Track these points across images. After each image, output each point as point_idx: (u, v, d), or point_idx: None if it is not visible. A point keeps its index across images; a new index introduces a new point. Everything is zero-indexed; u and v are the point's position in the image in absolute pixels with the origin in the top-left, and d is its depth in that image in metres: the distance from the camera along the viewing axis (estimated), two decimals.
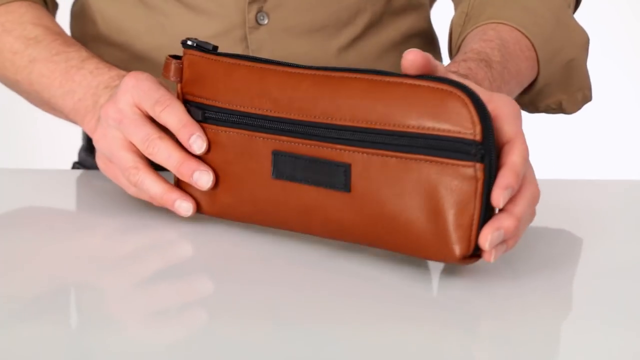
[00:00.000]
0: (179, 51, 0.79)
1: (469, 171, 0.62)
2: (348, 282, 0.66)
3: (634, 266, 0.72)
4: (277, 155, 0.69)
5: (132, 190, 0.77)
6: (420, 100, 0.63)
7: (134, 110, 0.75)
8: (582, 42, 0.93)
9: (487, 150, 0.61)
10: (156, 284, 0.66)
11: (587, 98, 0.97)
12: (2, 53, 0.92)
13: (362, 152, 0.65)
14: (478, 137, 0.61)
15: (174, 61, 0.75)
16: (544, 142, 2.68)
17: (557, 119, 2.73)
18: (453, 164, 0.62)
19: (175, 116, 0.73)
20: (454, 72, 0.74)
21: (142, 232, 0.76)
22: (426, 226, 0.63)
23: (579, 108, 0.97)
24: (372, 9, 0.96)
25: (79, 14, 1.01)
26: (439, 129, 0.62)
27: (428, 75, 0.64)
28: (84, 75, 0.85)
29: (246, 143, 0.71)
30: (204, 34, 0.90)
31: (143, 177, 0.74)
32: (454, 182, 0.62)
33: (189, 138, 0.73)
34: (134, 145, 0.75)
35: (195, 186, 0.73)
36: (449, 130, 0.62)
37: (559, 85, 0.93)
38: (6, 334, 0.57)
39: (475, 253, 0.63)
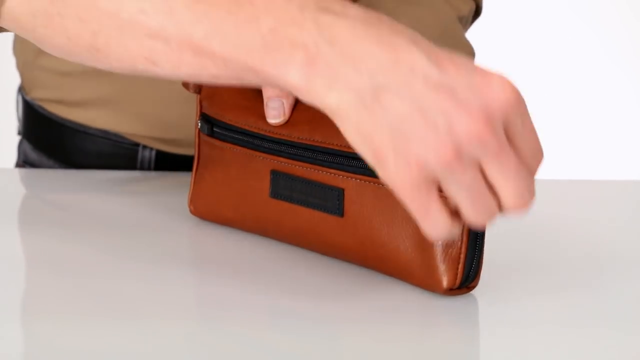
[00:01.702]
0: None
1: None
2: (349, 282, 0.66)
3: (634, 266, 0.72)
4: (275, 175, 0.70)
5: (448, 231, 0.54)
6: None
7: (503, 136, 0.52)
8: (466, 55, 0.94)
9: None
10: (153, 281, 0.66)
11: None
12: None
13: (356, 178, 0.66)
14: None
15: None
16: (544, 142, 2.68)
17: (557, 119, 2.74)
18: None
19: (539, 161, 0.54)
20: None
21: (142, 232, 0.76)
22: (414, 256, 0.64)
23: None
24: None
25: None
26: None
27: None
28: None
29: (248, 160, 0.72)
30: None
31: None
32: None
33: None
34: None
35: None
36: None
37: None
38: None
39: (464, 285, 0.63)
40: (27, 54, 0.98)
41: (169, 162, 0.98)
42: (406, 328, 0.60)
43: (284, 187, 0.70)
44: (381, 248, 0.65)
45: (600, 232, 0.81)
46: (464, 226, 0.61)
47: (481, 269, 0.63)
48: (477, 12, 1.01)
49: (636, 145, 2.69)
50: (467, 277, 0.62)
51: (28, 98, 1.01)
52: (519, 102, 0.52)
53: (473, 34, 1.02)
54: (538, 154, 0.54)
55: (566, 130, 2.68)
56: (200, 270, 0.70)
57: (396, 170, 0.51)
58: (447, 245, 0.62)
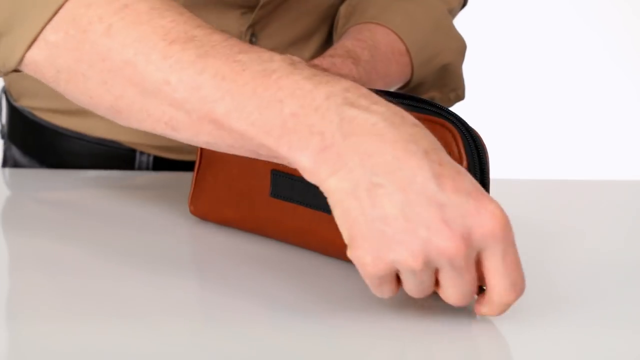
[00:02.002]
0: None
1: None
2: (349, 281, 0.66)
3: (634, 266, 0.72)
4: (275, 174, 0.70)
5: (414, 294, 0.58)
6: None
7: (473, 260, 0.55)
8: (458, 48, 0.96)
9: None
10: (152, 281, 0.66)
11: (460, 97, 0.99)
12: (144, 42, 0.59)
13: None
14: None
15: None
16: (544, 142, 2.68)
17: (557, 120, 2.74)
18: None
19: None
20: (316, 66, 0.73)
21: (138, 231, 0.76)
22: None
23: (451, 105, 0.99)
24: (332, 14, 0.99)
25: None
26: None
27: (426, 101, 0.64)
28: (298, 82, 0.55)
29: (249, 160, 0.72)
30: None
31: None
32: None
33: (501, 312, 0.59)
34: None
35: None
36: None
37: (432, 85, 0.96)
38: None
39: None
40: None
41: (167, 167, 0.98)
42: (406, 327, 0.60)
43: (284, 187, 0.70)
44: None
45: (600, 232, 0.81)
46: None
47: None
48: (464, 3, 1.03)
49: (636, 145, 2.69)
50: None
51: (17, 105, 1.01)
52: (504, 234, 0.55)
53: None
54: (516, 287, 0.57)
55: (566, 130, 2.68)
56: (199, 270, 0.70)
57: (364, 259, 0.55)
58: None
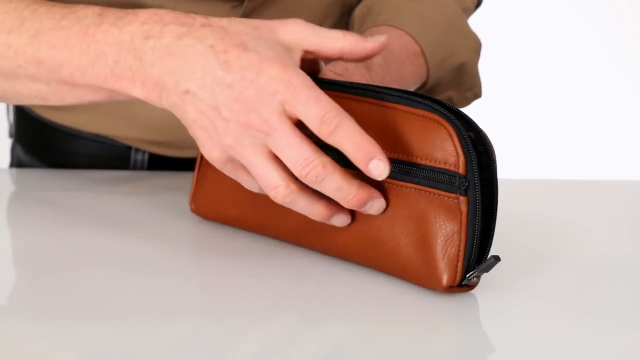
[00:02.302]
0: None
1: (453, 203, 0.62)
2: (350, 281, 0.66)
3: (634, 266, 0.72)
4: None
5: (256, 189, 0.67)
6: (411, 128, 0.64)
7: (285, 122, 0.61)
8: (474, 47, 0.96)
9: (471, 184, 0.62)
10: (152, 280, 0.66)
11: (477, 95, 0.99)
12: None
13: (356, 178, 0.65)
14: (461, 170, 0.62)
15: None
16: (544, 142, 2.68)
17: (557, 120, 2.74)
18: (439, 195, 0.62)
19: (349, 139, 0.61)
20: (331, 71, 0.75)
21: (139, 230, 0.76)
22: (415, 253, 0.64)
23: (468, 104, 0.99)
24: (334, 13, 0.98)
25: None
26: (427, 159, 0.63)
27: (423, 96, 0.65)
28: (107, 31, 0.67)
29: None
30: None
31: (296, 200, 0.64)
32: (440, 212, 0.63)
33: (368, 163, 0.61)
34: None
35: (364, 212, 0.65)
36: (436, 161, 0.63)
37: (449, 85, 0.96)
38: None
39: (463, 284, 0.63)
40: None
41: (161, 165, 0.98)
42: (406, 327, 0.60)
43: None
44: (382, 246, 0.65)
45: (600, 232, 0.81)
46: (461, 225, 0.62)
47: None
48: (478, 2, 1.02)
49: (636, 145, 2.69)
50: (466, 275, 0.63)
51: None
52: (287, 87, 0.61)
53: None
54: (326, 116, 0.61)
55: (566, 130, 2.68)
56: (200, 269, 0.70)
57: (212, 155, 0.65)
58: (446, 244, 0.62)
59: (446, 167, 0.62)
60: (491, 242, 0.63)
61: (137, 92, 0.66)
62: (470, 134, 0.63)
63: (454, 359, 0.57)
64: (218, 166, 0.66)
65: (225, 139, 0.63)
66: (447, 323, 0.61)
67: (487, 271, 0.63)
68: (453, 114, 0.63)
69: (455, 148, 0.62)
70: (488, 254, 0.63)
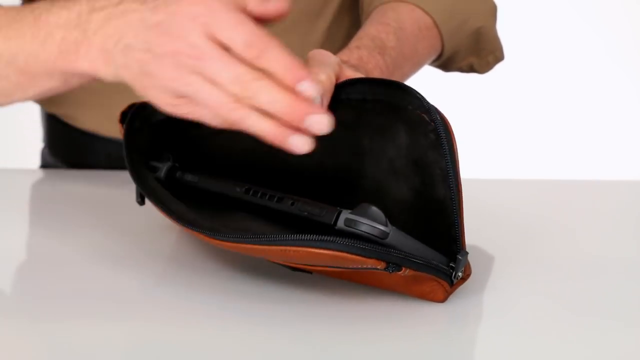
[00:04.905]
0: None
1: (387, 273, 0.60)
2: (349, 282, 0.66)
3: (634, 266, 0.72)
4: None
5: (218, 119, 0.64)
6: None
7: (212, 45, 0.61)
8: (488, 10, 0.96)
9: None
10: (156, 282, 0.66)
11: (499, 59, 0.99)
12: None
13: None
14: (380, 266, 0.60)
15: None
16: (544, 142, 2.68)
17: (557, 120, 2.73)
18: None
19: (277, 61, 0.60)
20: (346, 62, 0.74)
21: (138, 231, 0.76)
22: (402, 289, 0.64)
23: (491, 68, 0.99)
24: (334, 1, 0.98)
25: None
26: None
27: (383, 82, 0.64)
28: (57, 13, 0.70)
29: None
30: None
31: (248, 114, 0.61)
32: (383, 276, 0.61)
33: (298, 84, 0.60)
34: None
35: (309, 133, 0.61)
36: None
37: (468, 51, 0.96)
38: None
39: (454, 282, 0.63)
40: None
41: None
42: (406, 327, 0.60)
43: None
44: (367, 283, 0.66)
45: (600, 233, 0.81)
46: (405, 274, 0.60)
47: (467, 264, 0.63)
48: None
49: (636, 145, 2.69)
50: (452, 279, 0.62)
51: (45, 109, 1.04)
52: (210, 9, 0.61)
53: None
54: (253, 41, 0.61)
55: (566, 130, 2.68)
56: (203, 271, 0.70)
57: (158, 101, 0.65)
58: (417, 283, 0.62)
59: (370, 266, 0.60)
60: (455, 230, 0.62)
61: (83, 64, 0.68)
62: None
63: (454, 359, 0.57)
64: (173, 110, 0.64)
65: (165, 74, 0.63)
66: (447, 323, 0.61)
67: (464, 265, 0.62)
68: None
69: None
70: (457, 235, 0.62)
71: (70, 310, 0.61)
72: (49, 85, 0.72)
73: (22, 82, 0.73)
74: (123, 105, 0.74)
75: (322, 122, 0.60)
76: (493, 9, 0.96)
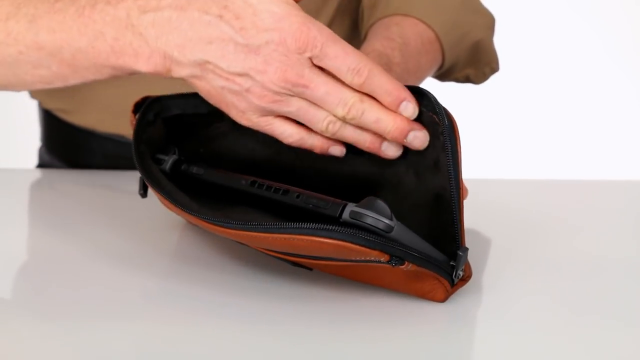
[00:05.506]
0: None
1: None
2: (348, 281, 0.66)
3: (633, 266, 0.72)
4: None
5: (295, 138, 0.67)
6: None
7: (318, 73, 0.64)
8: (487, 23, 0.97)
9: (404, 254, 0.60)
10: (154, 282, 0.66)
11: (494, 70, 1.01)
12: None
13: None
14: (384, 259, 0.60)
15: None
16: (544, 142, 2.68)
17: (557, 119, 2.74)
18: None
19: (380, 87, 0.64)
20: None
21: (138, 231, 0.76)
22: (403, 289, 0.64)
23: (486, 79, 1.01)
24: (330, 6, 0.98)
25: None
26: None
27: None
28: (102, 10, 0.68)
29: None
30: None
31: (345, 127, 0.65)
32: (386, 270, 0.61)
33: (399, 105, 0.64)
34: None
35: (409, 147, 0.65)
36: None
37: (466, 63, 0.97)
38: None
39: (455, 283, 0.63)
40: None
41: None
42: (406, 327, 0.60)
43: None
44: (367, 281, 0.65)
45: (600, 233, 0.81)
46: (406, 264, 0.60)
47: (467, 266, 0.63)
48: None
49: (636, 145, 2.69)
50: (453, 278, 0.62)
51: (42, 106, 1.03)
52: (315, 44, 0.62)
53: None
54: (357, 64, 0.63)
55: (566, 130, 2.68)
56: (205, 271, 0.70)
57: (239, 116, 0.66)
58: (418, 281, 0.62)
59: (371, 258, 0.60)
60: (454, 229, 0.62)
61: (142, 67, 0.67)
62: None
63: (454, 359, 0.57)
64: (251, 124, 0.66)
65: (263, 99, 0.64)
66: (447, 323, 0.61)
67: (464, 264, 0.62)
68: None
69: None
70: (458, 236, 0.62)
71: (70, 310, 0.61)
72: (95, 77, 0.71)
73: (64, 73, 0.72)
74: (123, 99, 0.75)
75: (422, 138, 0.64)
76: (492, 22, 0.97)
